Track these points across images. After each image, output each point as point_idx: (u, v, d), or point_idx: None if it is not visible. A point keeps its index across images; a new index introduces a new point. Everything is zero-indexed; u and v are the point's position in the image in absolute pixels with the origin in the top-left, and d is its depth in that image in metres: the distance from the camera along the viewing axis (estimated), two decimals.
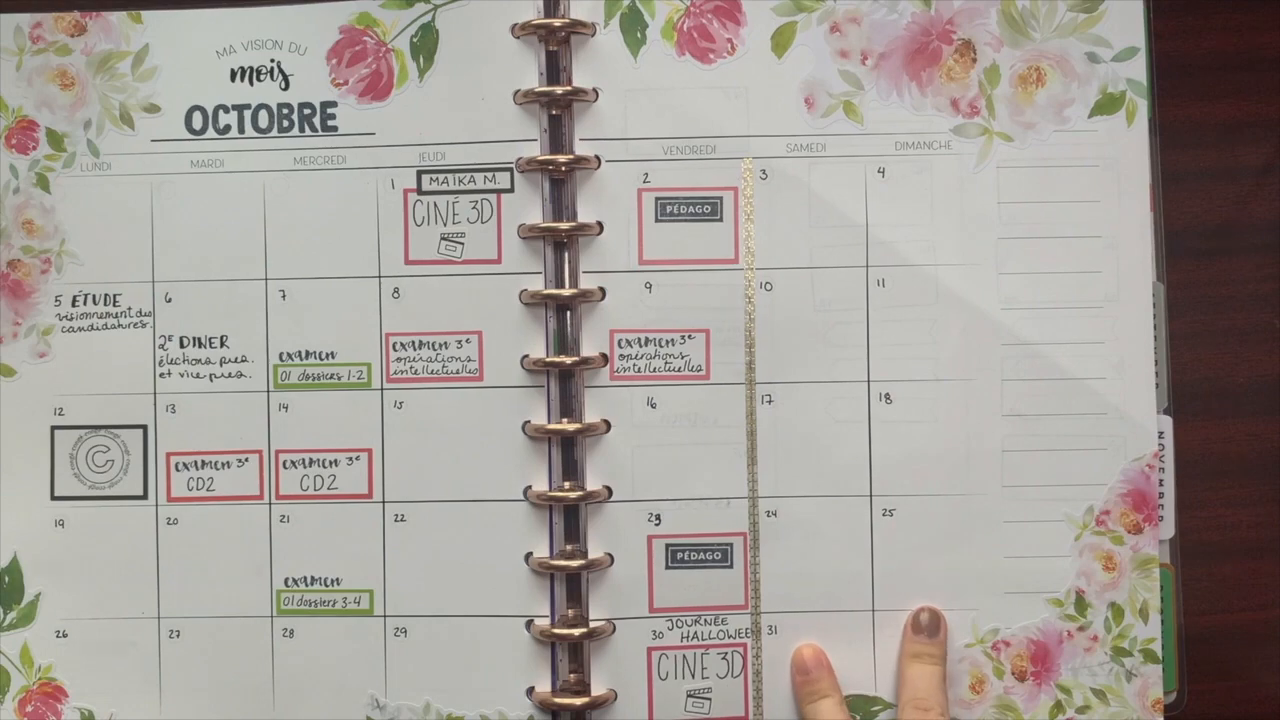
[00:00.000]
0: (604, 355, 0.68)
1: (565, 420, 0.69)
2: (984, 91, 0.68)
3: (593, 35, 0.68)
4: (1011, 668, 0.68)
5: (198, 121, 0.70)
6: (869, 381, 0.68)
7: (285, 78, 0.69)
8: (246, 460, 0.69)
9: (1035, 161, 0.68)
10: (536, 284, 0.69)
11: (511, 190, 0.69)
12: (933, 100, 0.68)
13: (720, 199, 0.68)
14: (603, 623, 0.68)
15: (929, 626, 0.67)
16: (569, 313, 0.69)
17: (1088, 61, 0.68)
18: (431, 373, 0.69)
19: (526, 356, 0.68)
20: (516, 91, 0.69)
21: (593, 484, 0.68)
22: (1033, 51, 0.68)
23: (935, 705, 0.66)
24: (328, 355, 0.69)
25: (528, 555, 0.68)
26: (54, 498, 0.70)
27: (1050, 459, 0.68)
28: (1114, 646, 0.67)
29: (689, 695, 0.68)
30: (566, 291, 0.68)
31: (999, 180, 0.68)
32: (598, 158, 0.68)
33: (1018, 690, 0.68)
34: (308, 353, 0.69)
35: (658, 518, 0.68)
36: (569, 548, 0.69)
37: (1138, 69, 0.68)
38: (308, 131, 0.69)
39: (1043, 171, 0.68)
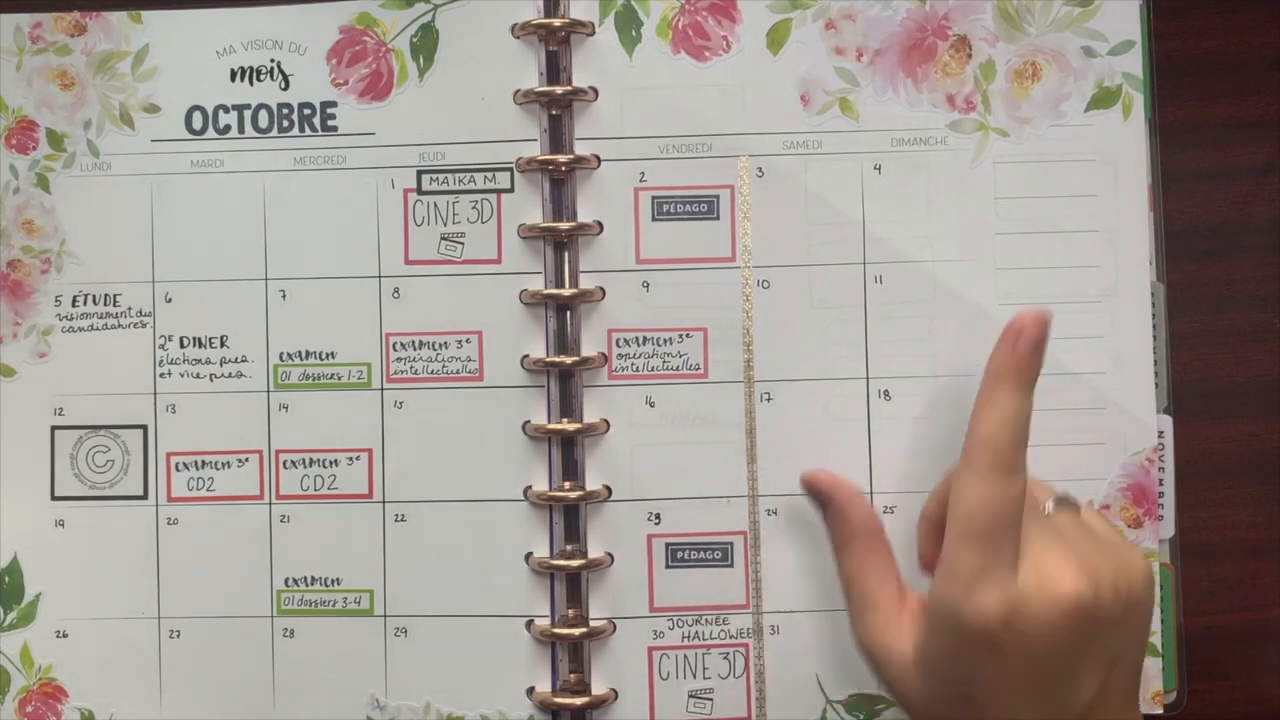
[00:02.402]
0: (603, 355, 0.68)
1: (565, 420, 0.69)
2: (980, 87, 0.68)
3: (591, 34, 0.68)
4: None
5: (198, 121, 0.70)
6: (868, 378, 0.68)
7: (285, 78, 0.70)
8: (246, 460, 0.69)
9: (1032, 156, 0.68)
10: (536, 284, 0.69)
11: (511, 190, 0.69)
12: (929, 96, 0.68)
13: (717, 197, 0.68)
14: (603, 622, 0.68)
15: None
16: (569, 312, 0.69)
17: (1083, 55, 0.68)
18: (432, 373, 0.69)
19: (526, 356, 0.68)
20: (516, 91, 0.69)
21: (592, 484, 0.68)
22: (1028, 46, 0.68)
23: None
24: (328, 355, 0.69)
25: (528, 555, 0.68)
26: (54, 498, 0.70)
27: (1050, 454, 0.67)
28: None
29: (690, 695, 0.68)
30: (566, 291, 0.68)
31: (996, 175, 0.68)
32: (597, 157, 0.68)
33: None
34: (308, 353, 0.69)
35: (658, 517, 0.68)
36: (569, 547, 0.69)
37: (1133, 63, 0.68)
38: (308, 131, 0.70)
39: (1039, 166, 0.68)
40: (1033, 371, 0.57)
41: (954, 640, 0.54)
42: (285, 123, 0.70)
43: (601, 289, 0.68)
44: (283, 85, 0.70)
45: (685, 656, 0.68)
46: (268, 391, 0.70)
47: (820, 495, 0.63)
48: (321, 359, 0.69)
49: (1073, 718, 0.54)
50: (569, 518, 0.69)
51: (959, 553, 0.54)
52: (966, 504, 0.55)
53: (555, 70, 0.69)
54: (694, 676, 0.68)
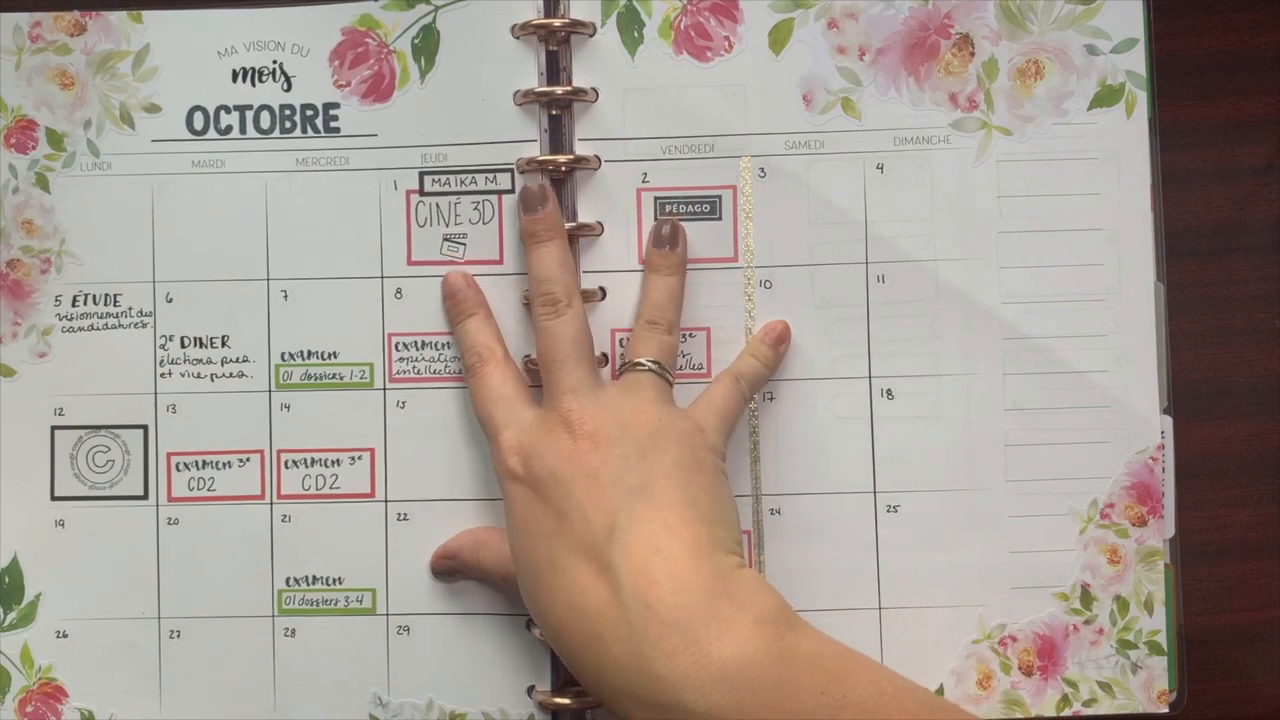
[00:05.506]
0: (605, 355, 0.68)
1: None
2: (982, 85, 0.68)
3: (592, 35, 0.68)
4: (1018, 663, 0.68)
5: (199, 122, 0.70)
6: (870, 378, 0.68)
7: (287, 79, 0.69)
8: (248, 460, 0.69)
9: (1035, 155, 0.68)
10: None
11: (513, 191, 0.69)
12: (931, 95, 0.68)
13: (719, 197, 0.68)
14: None
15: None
16: None
17: (1086, 54, 0.68)
18: (434, 373, 0.69)
19: (528, 357, 0.68)
20: (517, 92, 0.69)
21: None
22: (1031, 44, 0.68)
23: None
24: (330, 355, 0.69)
25: None
26: (54, 498, 0.70)
27: (1054, 453, 0.67)
28: (1119, 639, 0.67)
29: None
30: None
31: (998, 174, 0.68)
32: (597, 158, 0.68)
33: (1025, 685, 0.68)
34: (309, 352, 0.69)
35: None
36: None
37: (1136, 61, 0.68)
38: (310, 132, 0.69)
39: (1042, 165, 0.68)
40: (464, 306, 0.69)
41: None
42: (287, 124, 0.70)
43: (602, 289, 0.68)
44: (285, 86, 0.69)
45: None
46: (269, 391, 0.69)
47: None
48: (323, 359, 0.69)
49: None
50: None
51: None
52: None
53: (555, 70, 0.69)
54: None
